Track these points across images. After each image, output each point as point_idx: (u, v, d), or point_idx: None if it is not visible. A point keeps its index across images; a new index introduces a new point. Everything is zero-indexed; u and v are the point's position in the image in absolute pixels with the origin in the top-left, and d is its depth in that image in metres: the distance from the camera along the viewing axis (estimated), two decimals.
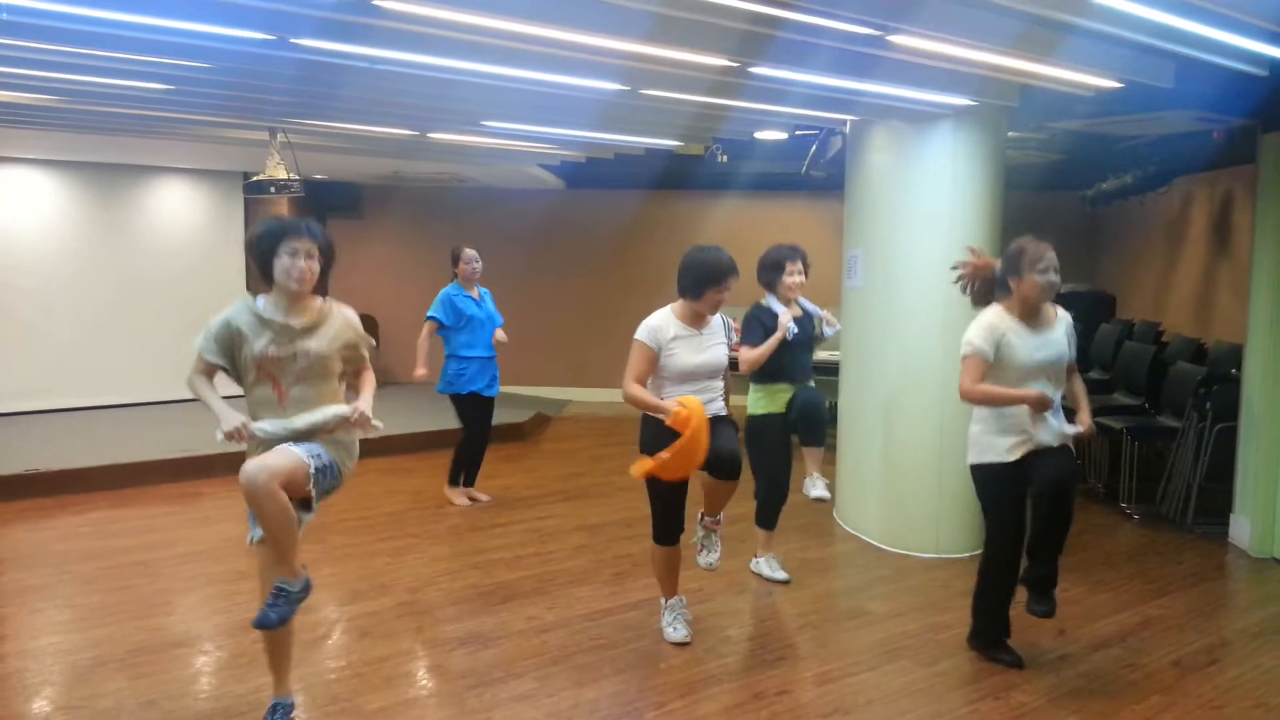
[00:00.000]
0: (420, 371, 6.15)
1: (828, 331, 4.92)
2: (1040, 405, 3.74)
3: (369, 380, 3.41)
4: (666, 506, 4.02)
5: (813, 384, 4.88)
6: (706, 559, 4.27)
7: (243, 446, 3.20)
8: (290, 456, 3.04)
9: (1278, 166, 5.37)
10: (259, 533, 3.15)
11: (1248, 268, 5.70)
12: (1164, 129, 6.69)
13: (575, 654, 4.08)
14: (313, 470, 3.08)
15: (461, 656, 4.05)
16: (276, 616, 3.12)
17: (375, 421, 3.25)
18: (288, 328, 3.16)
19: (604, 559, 5.32)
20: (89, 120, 6.04)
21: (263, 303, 3.20)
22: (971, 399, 3.86)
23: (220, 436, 3.08)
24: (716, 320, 4.06)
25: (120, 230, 9.29)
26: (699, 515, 4.26)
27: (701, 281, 3.90)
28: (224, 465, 7.01)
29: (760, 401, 4.80)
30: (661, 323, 3.93)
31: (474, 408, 6.33)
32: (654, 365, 3.88)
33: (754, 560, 5.12)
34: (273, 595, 3.12)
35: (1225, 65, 4.26)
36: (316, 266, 3.18)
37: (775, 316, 4.70)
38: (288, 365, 3.16)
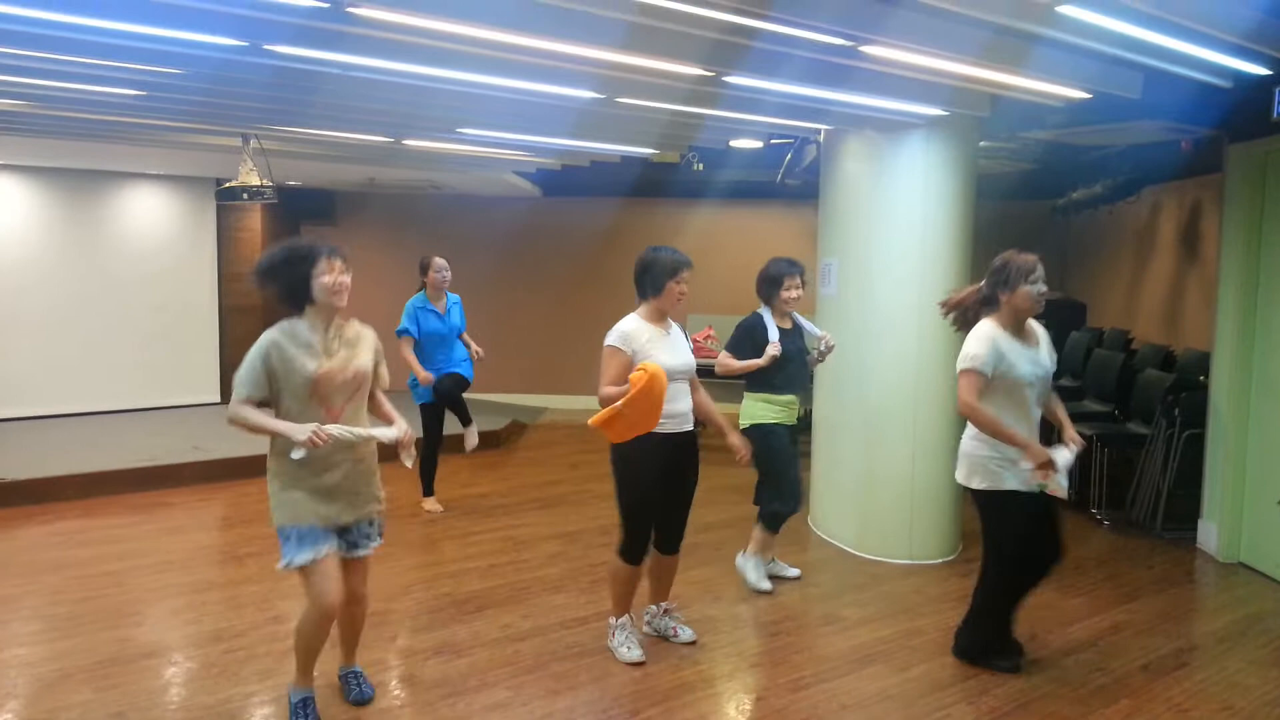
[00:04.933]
0: (424, 375, 6.11)
1: (822, 347, 4.92)
2: (1035, 457, 3.68)
3: (387, 402, 3.56)
4: (644, 519, 4.00)
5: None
6: (685, 635, 4.29)
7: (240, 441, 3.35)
8: (368, 563, 3.52)
9: (1244, 176, 5.46)
10: (302, 558, 3.25)
11: (1215, 276, 5.79)
12: (1132, 139, 6.79)
13: (550, 662, 4.07)
14: (373, 548, 3.52)
15: (435, 666, 4.03)
16: (370, 689, 3.71)
17: (410, 455, 3.50)
18: (338, 348, 3.26)
19: (579, 567, 5.30)
20: (59, 126, 5.97)
21: (304, 325, 3.23)
22: (974, 417, 3.78)
23: (299, 453, 3.12)
24: (676, 327, 4.08)
25: (91, 237, 9.18)
26: (656, 609, 4.31)
27: (660, 277, 3.92)
28: (193, 474, 6.96)
29: (765, 410, 4.79)
30: (633, 328, 3.92)
31: (436, 417, 6.33)
32: (628, 370, 3.84)
33: (769, 564, 5.11)
34: (355, 680, 3.72)
35: (1192, 77, 4.33)
36: (349, 280, 3.27)
37: (765, 330, 4.74)
38: (340, 386, 3.25)
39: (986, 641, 4.09)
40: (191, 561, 5.40)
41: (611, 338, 3.90)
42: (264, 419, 3.18)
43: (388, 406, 3.54)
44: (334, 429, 3.17)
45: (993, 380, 3.77)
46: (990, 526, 3.97)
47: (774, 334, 4.75)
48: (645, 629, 4.36)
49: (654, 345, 3.89)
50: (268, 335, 3.20)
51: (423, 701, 3.72)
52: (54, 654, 4.08)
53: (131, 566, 5.26)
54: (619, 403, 3.68)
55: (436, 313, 6.27)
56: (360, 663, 3.81)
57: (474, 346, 6.44)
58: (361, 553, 3.47)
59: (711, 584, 5.06)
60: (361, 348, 3.36)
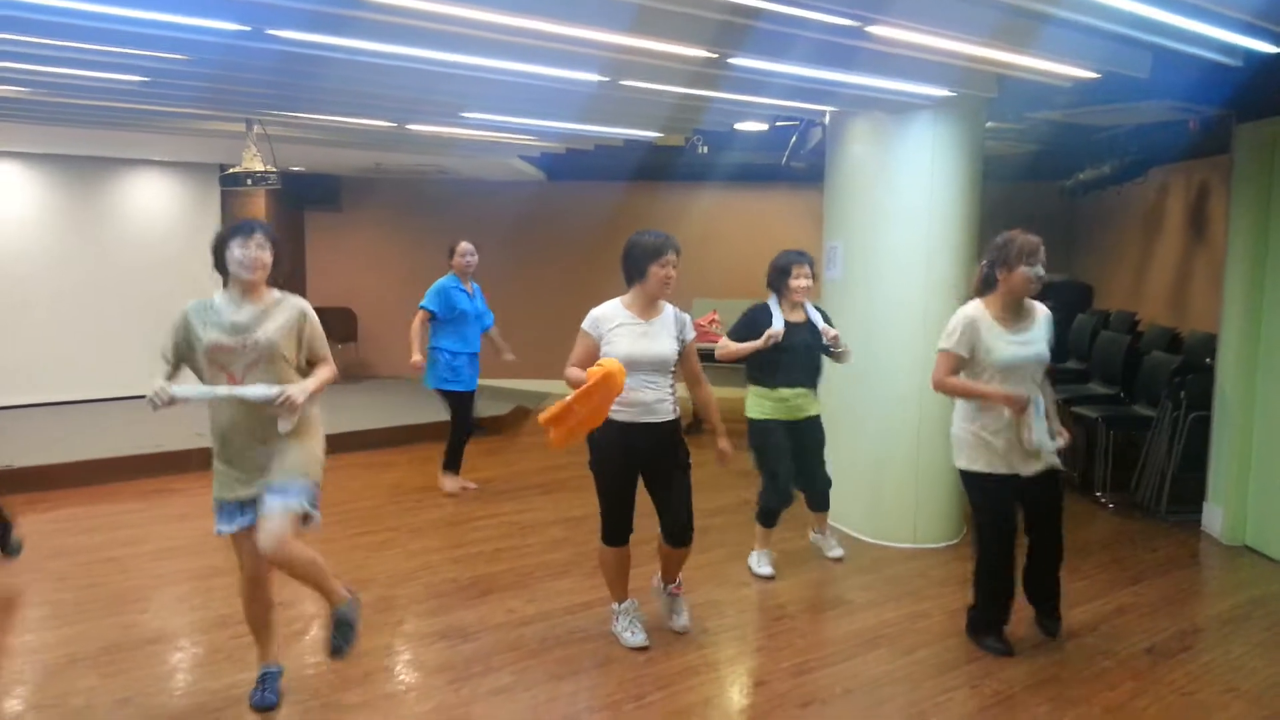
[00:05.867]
0: (416, 358, 6.15)
1: (829, 344, 4.83)
2: (1018, 407, 3.74)
3: (321, 371, 3.44)
4: (614, 505, 3.97)
5: (817, 408, 4.87)
6: (678, 622, 4.23)
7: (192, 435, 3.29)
8: (280, 519, 3.21)
9: (1252, 156, 5.41)
10: (221, 529, 3.35)
11: (1223, 257, 5.75)
12: (1141, 119, 6.73)
13: (554, 647, 4.08)
14: (306, 507, 3.29)
15: (440, 650, 4.04)
16: (346, 644, 3.44)
17: (290, 421, 3.26)
18: (238, 318, 3.28)
19: (584, 552, 5.30)
20: (63, 113, 5.95)
21: (218, 298, 3.34)
22: (945, 391, 3.89)
23: (149, 406, 3.19)
24: (669, 315, 3.96)
25: (95, 224, 9.17)
26: (658, 581, 4.24)
27: (642, 260, 3.84)
28: (198, 461, 6.89)
29: (760, 405, 4.80)
30: (607, 312, 3.89)
31: (466, 403, 6.35)
32: (593, 354, 3.81)
33: (750, 554, 5.10)
34: (334, 624, 3.42)
35: (1201, 56, 4.28)
36: (268, 257, 3.30)
37: (770, 318, 4.70)
38: (238, 355, 3.26)
39: (982, 616, 4.11)
40: (196, 547, 5.41)
41: (585, 321, 3.89)
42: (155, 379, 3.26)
43: (317, 373, 3.41)
44: (180, 389, 3.19)
45: (971, 362, 3.83)
46: (971, 503, 4.09)
47: (779, 322, 4.71)
48: (652, 594, 4.30)
49: (622, 332, 3.83)
50: (184, 307, 3.33)
51: (428, 686, 3.73)
52: (60, 640, 4.10)
53: (136, 553, 5.28)
54: (568, 397, 3.63)
55: (466, 293, 6.32)
56: (364, 648, 3.76)
57: (504, 349, 6.54)
58: (264, 511, 3.22)
59: (717, 568, 5.07)
60: (271, 319, 3.30)
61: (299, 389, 3.25)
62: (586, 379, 3.61)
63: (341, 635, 3.43)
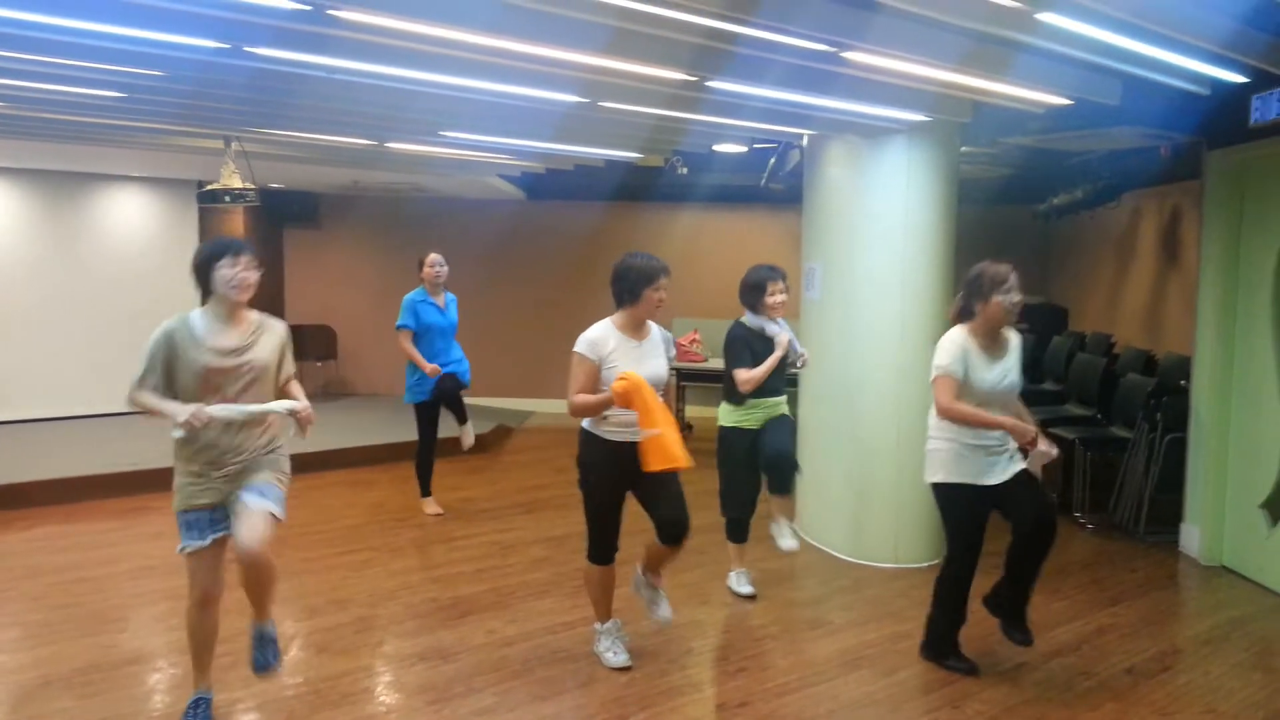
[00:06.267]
0: (429, 367, 6.06)
1: (799, 364, 4.90)
2: (1020, 435, 3.79)
3: (300, 390, 3.55)
4: (602, 523, 3.96)
5: (786, 410, 4.84)
6: (662, 613, 4.17)
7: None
8: (262, 518, 3.26)
9: (1223, 182, 5.51)
10: (191, 544, 3.31)
11: (1195, 281, 5.83)
12: (1113, 145, 6.84)
13: (536, 667, 4.06)
14: (279, 514, 3.34)
15: (420, 672, 4.02)
16: (276, 659, 3.53)
17: (303, 431, 3.43)
18: (231, 341, 3.30)
19: (565, 571, 5.29)
20: (40, 127, 5.93)
21: (202, 317, 3.32)
22: (952, 418, 3.85)
23: (178, 433, 3.18)
24: (656, 334, 4.01)
25: (71, 239, 9.11)
26: (639, 571, 4.18)
27: (638, 284, 3.85)
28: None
29: (731, 414, 4.79)
30: (601, 334, 3.88)
31: (431, 417, 6.29)
32: (595, 378, 3.81)
33: (728, 574, 5.09)
34: (260, 642, 3.49)
35: (1170, 84, 4.37)
36: (255, 277, 3.33)
37: (762, 338, 4.69)
38: (233, 377, 3.29)
39: (939, 638, 4.14)
40: (174, 566, 5.31)
41: (579, 345, 3.86)
42: (156, 401, 3.24)
43: (296, 392, 3.50)
44: (216, 409, 3.20)
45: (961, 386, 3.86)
46: (944, 516, 4.08)
47: (773, 329, 4.71)
48: (630, 589, 4.24)
49: (621, 354, 3.84)
50: (165, 325, 3.29)
51: (408, 708, 3.71)
52: (34, 661, 4.05)
53: (112, 572, 5.22)
54: (646, 431, 3.65)
55: (436, 306, 6.24)
56: (344, 669, 3.74)
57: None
58: (248, 507, 3.26)
59: (697, 588, 5.06)
60: (261, 341, 3.38)
61: (307, 403, 3.39)
62: (615, 399, 3.66)
63: (271, 652, 3.51)
